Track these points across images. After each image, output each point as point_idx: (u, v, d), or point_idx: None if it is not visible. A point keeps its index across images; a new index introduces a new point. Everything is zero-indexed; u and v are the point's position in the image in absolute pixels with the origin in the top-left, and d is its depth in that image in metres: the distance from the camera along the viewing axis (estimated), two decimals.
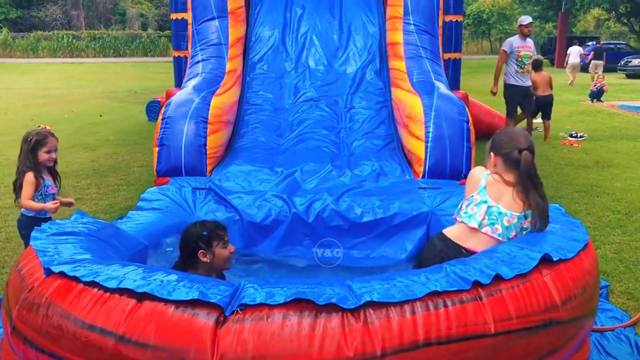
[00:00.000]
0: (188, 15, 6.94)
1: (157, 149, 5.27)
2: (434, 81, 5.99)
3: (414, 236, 4.52)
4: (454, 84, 7.37)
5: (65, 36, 39.91)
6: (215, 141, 5.43)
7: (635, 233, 5.25)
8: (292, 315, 2.10)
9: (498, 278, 2.33)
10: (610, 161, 8.31)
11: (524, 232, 2.85)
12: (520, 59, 8.87)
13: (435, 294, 2.21)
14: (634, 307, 3.85)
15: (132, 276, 2.31)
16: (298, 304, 2.12)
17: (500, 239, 2.83)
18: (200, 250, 2.93)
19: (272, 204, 4.70)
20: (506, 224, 2.81)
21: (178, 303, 2.15)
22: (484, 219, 2.83)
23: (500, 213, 2.80)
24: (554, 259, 2.51)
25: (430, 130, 5.24)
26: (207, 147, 5.31)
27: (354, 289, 2.22)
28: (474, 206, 2.86)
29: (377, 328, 2.09)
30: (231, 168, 5.36)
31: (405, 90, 5.99)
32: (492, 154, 2.86)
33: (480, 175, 2.89)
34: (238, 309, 2.10)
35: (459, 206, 2.96)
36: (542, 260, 2.47)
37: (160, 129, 5.32)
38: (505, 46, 9.04)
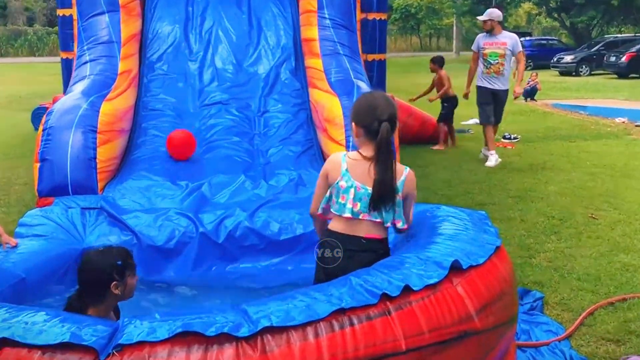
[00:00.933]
0: (73, 11, 6.67)
1: (38, 164, 5.02)
2: (354, 80, 6.02)
3: None
4: (379, 88, 7.43)
5: None
6: (106, 153, 5.23)
7: (569, 239, 5.45)
8: (177, 352, 2.03)
9: (407, 289, 2.36)
10: (545, 163, 8.65)
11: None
12: (485, 58, 8.57)
13: (340, 312, 2.21)
14: (569, 318, 3.97)
15: None
16: (184, 337, 2.06)
17: (379, 220, 2.86)
18: (114, 282, 2.78)
19: (176, 224, 4.57)
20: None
21: (45, 348, 2.04)
22: (354, 205, 2.84)
23: (369, 194, 2.82)
24: (464, 266, 2.56)
25: (350, 134, 5.22)
26: (98, 160, 5.10)
27: (250, 314, 2.18)
28: (342, 194, 2.86)
29: (276, 356, 2.07)
30: (127, 184, 5.18)
31: (323, 91, 6.01)
32: (353, 123, 2.88)
33: (339, 158, 2.91)
34: (114, 351, 2.02)
35: (328, 196, 2.94)
36: (451, 267, 2.52)
37: (42, 141, 5.07)
38: (473, 45, 8.86)
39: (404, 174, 2.88)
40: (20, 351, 2.04)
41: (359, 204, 2.84)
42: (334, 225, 2.93)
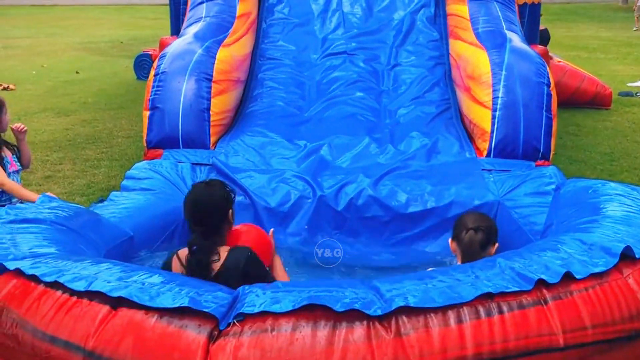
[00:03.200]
0: None
1: (148, 113, 5.24)
2: (505, 31, 5.90)
3: None
4: (531, 37, 7.24)
5: None
6: (221, 105, 5.39)
7: None
8: (303, 326, 2.09)
9: (568, 277, 2.31)
10: None
11: None
12: None
13: (487, 296, 2.20)
14: None
15: (105, 276, 2.30)
16: (311, 311, 2.12)
17: None
18: (230, 210, 2.96)
19: (292, 186, 4.68)
20: None
21: (162, 312, 2.15)
22: None
23: None
24: (637, 255, 2.47)
25: (500, 95, 5.13)
26: (211, 112, 5.28)
27: (383, 292, 2.21)
28: None
29: (413, 341, 2.09)
30: (241, 140, 5.33)
31: (467, 43, 5.91)
32: (449, 240, 3.23)
33: None
34: (235, 321, 2.11)
35: None
36: (622, 256, 2.44)
37: (152, 88, 5.30)
38: None
39: None
40: (136, 313, 2.16)
41: None
42: None
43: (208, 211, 2.86)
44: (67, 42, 18.53)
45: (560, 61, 10.02)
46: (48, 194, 3.59)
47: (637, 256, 2.47)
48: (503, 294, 2.21)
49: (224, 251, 2.77)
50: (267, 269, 2.95)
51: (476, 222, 3.13)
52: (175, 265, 2.83)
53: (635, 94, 10.98)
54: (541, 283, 2.27)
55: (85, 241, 3.14)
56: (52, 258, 2.50)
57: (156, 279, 2.32)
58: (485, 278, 2.30)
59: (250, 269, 2.71)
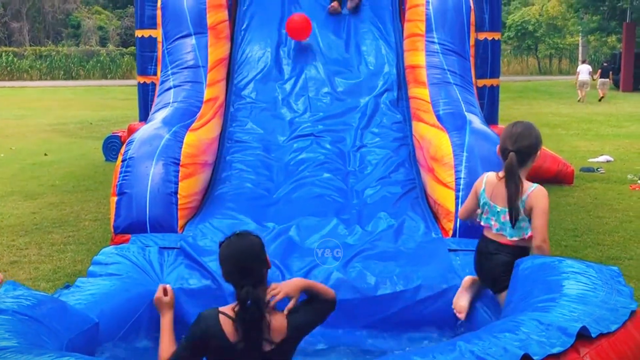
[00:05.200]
0: (157, 33, 7.04)
1: (115, 198, 5.26)
2: (466, 113, 6.01)
3: (443, 321, 4.43)
4: (490, 118, 7.42)
5: (4, 54, 40.54)
6: (189, 188, 5.43)
7: None
8: None
9: (526, 359, 2.34)
10: None
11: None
12: None
13: None
14: None
15: None
16: None
17: (503, 234, 3.87)
18: (266, 260, 2.95)
19: None
20: (502, 220, 3.85)
21: None
22: (491, 219, 3.93)
23: (497, 212, 3.89)
24: (593, 334, 2.51)
25: (462, 175, 5.23)
26: (179, 196, 5.31)
27: None
28: (484, 209, 3.99)
29: None
30: (209, 222, 5.34)
31: (429, 125, 6.02)
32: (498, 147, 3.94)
33: (482, 176, 4.07)
34: None
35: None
36: (578, 335, 2.48)
37: (120, 173, 5.33)
38: None
39: (526, 192, 3.75)
40: None
41: (493, 219, 3.90)
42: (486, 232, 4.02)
43: (251, 259, 2.85)
44: (36, 124, 18.56)
45: None
46: (13, 281, 3.55)
47: (593, 335, 2.52)
48: None
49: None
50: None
51: (516, 142, 3.76)
52: (225, 323, 2.78)
53: (597, 170, 11.24)
54: None
55: (47, 331, 3.09)
56: (12, 352, 2.46)
57: None
58: None
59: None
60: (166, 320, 3.11)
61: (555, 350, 2.41)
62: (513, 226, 3.79)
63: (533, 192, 3.75)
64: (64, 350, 2.92)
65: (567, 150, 13.07)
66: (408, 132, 6.52)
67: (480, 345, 2.44)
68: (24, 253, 6.67)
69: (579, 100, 24.94)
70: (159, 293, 3.18)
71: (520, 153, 3.75)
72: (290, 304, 2.89)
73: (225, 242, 2.95)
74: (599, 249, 6.71)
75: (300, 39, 7.13)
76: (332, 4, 7.54)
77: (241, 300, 2.74)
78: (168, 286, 3.23)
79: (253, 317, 2.70)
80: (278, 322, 2.83)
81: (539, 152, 3.86)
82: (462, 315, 4.26)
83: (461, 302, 4.30)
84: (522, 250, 3.83)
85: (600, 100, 25.37)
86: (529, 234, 3.78)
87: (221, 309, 2.84)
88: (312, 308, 2.90)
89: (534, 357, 2.35)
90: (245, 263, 2.84)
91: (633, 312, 2.82)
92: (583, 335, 2.52)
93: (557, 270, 3.29)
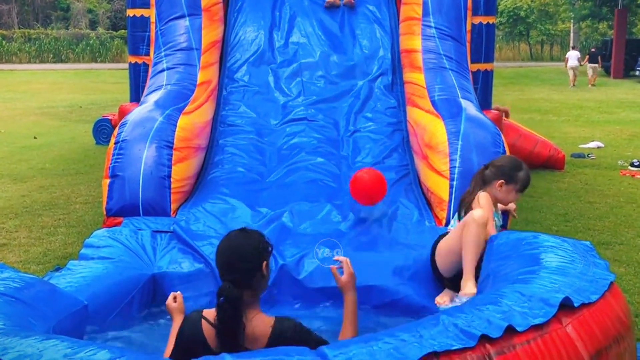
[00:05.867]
0: (150, 12, 6.96)
1: (107, 180, 5.23)
2: (461, 100, 6.00)
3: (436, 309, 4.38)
4: (484, 103, 7.40)
5: None
6: (182, 172, 5.41)
7: None
8: None
9: (510, 330, 2.36)
10: None
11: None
12: None
13: (432, 355, 2.23)
14: None
15: (50, 354, 2.25)
16: None
17: None
18: (265, 262, 2.87)
19: None
20: None
21: None
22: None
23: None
24: (575, 303, 2.55)
25: (457, 164, 5.23)
26: (172, 180, 5.28)
27: (330, 357, 2.22)
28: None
29: None
30: (202, 207, 5.32)
31: (424, 111, 6.01)
32: (499, 185, 4.40)
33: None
34: None
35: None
36: (560, 305, 2.52)
37: (113, 155, 5.30)
38: None
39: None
40: None
41: None
42: None
43: (241, 257, 2.78)
44: (26, 107, 18.46)
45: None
46: (1, 263, 3.52)
47: (575, 304, 2.56)
48: (448, 352, 2.25)
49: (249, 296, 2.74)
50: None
51: (518, 160, 4.40)
52: (205, 327, 2.75)
53: (587, 155, 11.29)
54: (484, 338, 2.32)
55: (34, 313, 3.04)
56: None
57: (104, 355, 2.26)
58: (429, 337, 2.34)
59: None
60: (175, 324, 3.16)
61: (537, 321, 2.44)
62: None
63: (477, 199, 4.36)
64: (51, 333, 2.88)
65: (558, 136, 13.12)
66: (402, 118, 6.49)
67: (464, 318, 2.46)
68: (14, 236, 6.63)
69: (572, 85, 25.07)
70: (169, 300, 3.27)
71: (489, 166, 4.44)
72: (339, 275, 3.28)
73: (228, 234, 2.92)
74: (589, 234, 6.74)
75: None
76: None
77: (217, 295, 2.71)
78: (178, 293, 3.30)
79: (226, 316, 2.65)
80: (259, 328, 2.76)
81: (504, 187, 4.36)
82: (444, 305, 4.29)
83: (443, 298, 4.39)
84: None
85: (593, 85, 25.57)
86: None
87: (204, 312, 2.81)
88: (307, 336, 2.81)
89: (518, 328, 2.37)
90: (231, 259, 2.79)
91: (611, 283, 2.88)
92: (564, 306, 2.55)
93: (533, 244, 3.36)
